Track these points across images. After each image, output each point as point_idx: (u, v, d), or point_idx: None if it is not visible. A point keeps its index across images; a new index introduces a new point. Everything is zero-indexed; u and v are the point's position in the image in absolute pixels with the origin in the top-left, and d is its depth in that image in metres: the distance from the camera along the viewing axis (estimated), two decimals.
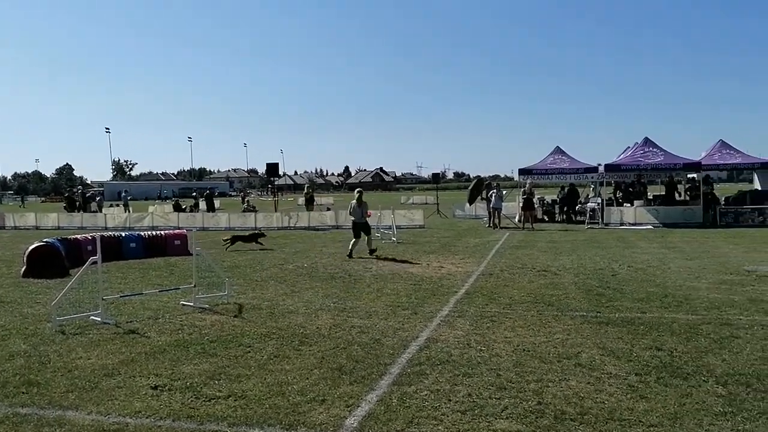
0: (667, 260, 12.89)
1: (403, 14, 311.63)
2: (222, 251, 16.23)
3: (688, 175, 26.46)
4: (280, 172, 38.25)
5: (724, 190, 33.88)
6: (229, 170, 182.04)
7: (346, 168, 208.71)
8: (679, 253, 14.21)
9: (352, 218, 15.31)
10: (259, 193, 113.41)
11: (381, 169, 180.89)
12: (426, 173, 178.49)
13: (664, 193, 26.51)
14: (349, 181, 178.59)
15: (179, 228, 22.86)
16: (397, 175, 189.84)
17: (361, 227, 15.16)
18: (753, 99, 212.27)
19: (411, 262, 13.37)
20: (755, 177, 27.38)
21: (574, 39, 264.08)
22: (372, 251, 14.90)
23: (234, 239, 17.30)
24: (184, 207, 38.74)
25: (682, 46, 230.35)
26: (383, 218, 21.47)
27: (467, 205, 29.68)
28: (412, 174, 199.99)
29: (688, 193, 26.27)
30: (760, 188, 25.91)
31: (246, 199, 47.80)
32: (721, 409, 4.42)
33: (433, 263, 13.18)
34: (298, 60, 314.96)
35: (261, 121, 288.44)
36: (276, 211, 28.49)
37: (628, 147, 27.66)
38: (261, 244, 17.52)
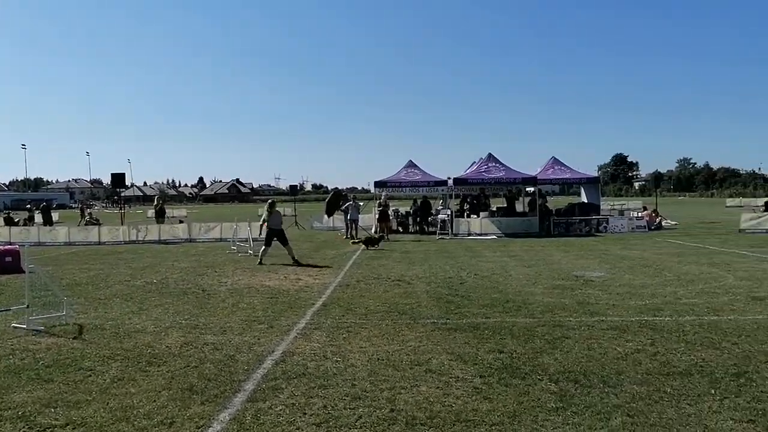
0: (509, 268, 13.87)
1: (260, 21, 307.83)
2: (60, 269, 14.94)
3: (527, 189, 28.66)
4: (127, 183, 35.92)
5: (556, 203, 37.13)
6: (69, 180, 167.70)
7: (201, 179, 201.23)
8: (519, 261, 15.34)
9: (270, 226, 15.72)
10: (104, 204, 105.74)
11: (238, 180, 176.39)
12: (284, 185, 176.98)
13: (505, 205, 28.54)
14: (203, 192, 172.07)
15: (11, 243, 20.68)
16: (254, 186, 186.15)
17: (278, 235, 15.71)
18: (583, 118, 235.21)
19: (268, 275, 13.19)
20: (582, 191, 30.32)
21: (426, 54, 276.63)
22: (295, 260, 15.35)
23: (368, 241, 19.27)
24: (17, 220, 35.15)
25: (512, 65, 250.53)
26: (239, 230, 20.96)
27: (325, 216, 29.86)
28: (270, 186, 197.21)
29: (527, 205, 28.53)
30: (586, 201, 28.73)
31: (87, 212, 44.35)
32: (554, 405, 4.84)
33: (291, 276, 13.11)
34: (147, 63, 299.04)
35: (106, 128, 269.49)
36: (122, 224, 26.76)
37: (474, 162, 29.44)
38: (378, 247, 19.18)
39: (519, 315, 8.47)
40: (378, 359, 6.29)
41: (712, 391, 5.09)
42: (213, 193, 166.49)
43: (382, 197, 24.98)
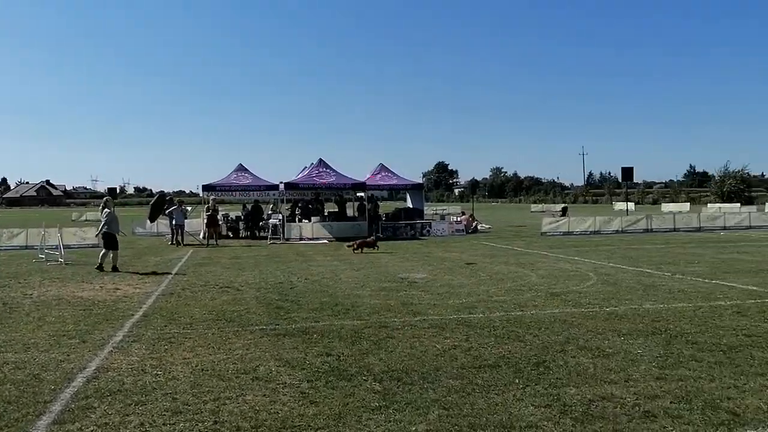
0: (339, 272, 14.13)
1: (64, 23, 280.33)
2: None
3: (358, 194, 29.37)
4: None
5: (385, 208, 38.53)
6: None
7: (4, 180, 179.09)
8: (349, 264, 15.69)
9: (106, 230, 15.24)
10: None
11: (48, 182, 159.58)
12: (102, 187, 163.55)
13: (337, 210, 29.02)
14: (6, 195, 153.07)
15: None
16: (67, 189, 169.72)
17: (113, 239, 14.93)
18: (409, 127, 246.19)
19: (81, 285, 12.13)
20: (408, 196, 31.80)
21: (240, 61, 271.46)
22: (114, 267, 14.70)
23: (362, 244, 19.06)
24: None
25: (339, 72, 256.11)
26: (48, 237, 19.00)
27: (148, 222, 28.12)
28: (86, 188, 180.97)
29: (356, 210, 29.24)
30: (411, 206, 30.17)
31: None
32: (378, 404, 5.03)
33: (108, 285, 12.18)
34: None
35: None
36: None
37: (305, 167, 29.59)
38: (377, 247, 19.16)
39: (347, 318, 8.67)
40: (202, 370, 6.08)
41: (517, 381, 5.61)
42: (19, 195, 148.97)
43: (211, 201, 24.15)
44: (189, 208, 25.97)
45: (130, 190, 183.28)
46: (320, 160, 27.93)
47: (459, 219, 30.31)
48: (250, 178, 27.85)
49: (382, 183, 29.41)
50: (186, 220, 23.99)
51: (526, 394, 5.24)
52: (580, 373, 5.82)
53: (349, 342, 7.17)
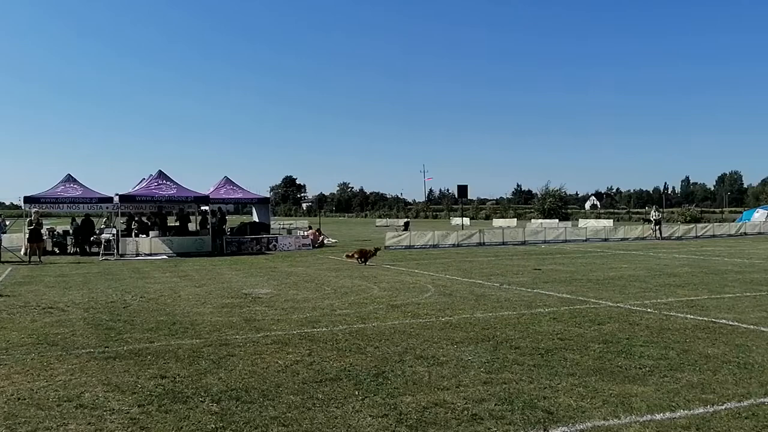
0: (179, 288, 13.51)
1: None
2: None
3: (202, 207, 28.29)
4: None
5: (231, 222, 37.51)
6: None
7: None
8: (190, 281, 15.06)
9: None
10: None
11: None
12: None
13: (178, 224, 27.73)
14: None
15: None
16: None
17: None
18: (250, 143, 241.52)
19: None
20: (254, 210, 31.26)
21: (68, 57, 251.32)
22: None
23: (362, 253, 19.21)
24: None
25: (182, 87, 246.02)
26: None
27: None
28: None
29: (199, 224, 28.17)
30: (258, 220, 29.69)
31: None
32: (214, 426, 4.87)
33: None
34: None
35: None
36: None
37: (143, 178, 28.00)
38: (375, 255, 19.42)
39: (186, 337, 8.32)
40: (19, 399, 5.50)
41: (356, 393, 5.74)
42: None
43: (33, 214, 21.93)
44: (8, 222, 23.38)
45: None
46: (159, 172, 26.56)
47: (306, 233, 30.32)
48: (81, 190, 25.75)
49: (226, 197, 28.65)
50: (4, 235, 21.58)
51: (364, 405, 5.38)
52: (416, 381, 6.09)
53: (186, 362, 6.88)
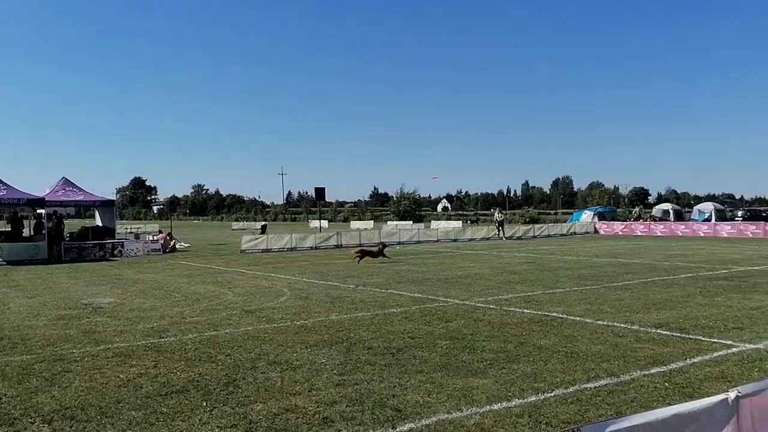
0: (8, 300, 12.26)
1: None
2: None
3: (38, 211, 25.80)
4: None
5: (71, 225, 34.65)
6: None
7: None
8: (21, 291, 13.71)
9: None
10: None
11: None
12: None
13: (9, 229, 25.08)
14: None
15: None
16: None
17: None
18: (95, 141, 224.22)
19: None
20: (97, 214, 29.12)
21: None
22: None
23: (363, 253, 19.91)
24: None
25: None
26: None
27: None
28: None
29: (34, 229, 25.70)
30: (101, 224, 27.69)
31: None
32: None
33: None
34: None
35: None
36: None
37: None
38: (387, 256, 19.75)
39: (14, 353, 7.56)
40: None
41: (204, 404, 5.56)
42: None
43: None
44: None
45: None
46: None
47: (156, 238, 28.77)
48: None
49: (65, 199, 26.40)
50: None
51: (213, 416, 5.22)
52: (268, 388, 6.02)
53: (14, 381, 6.26)
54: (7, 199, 23.19)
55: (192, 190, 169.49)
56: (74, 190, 26.68)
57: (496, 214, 38.63)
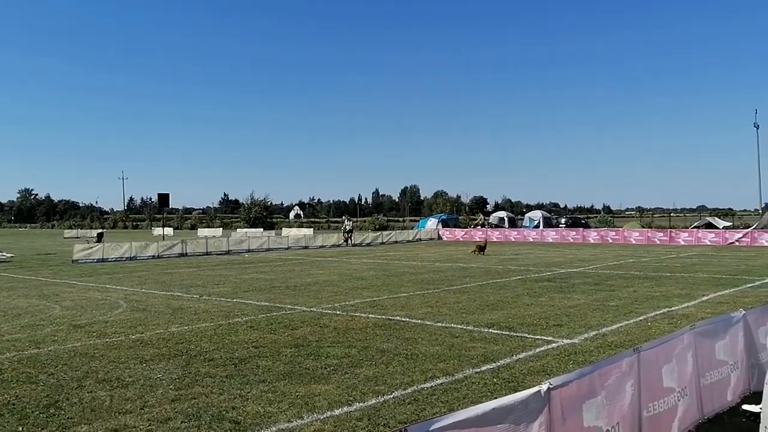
0: None
1: None
2: None
3: None
4: None
5: None
6: None
7: None
8: None
9: None
10: None
11: None
12: None
13: None
14: None
15: None
16: None
17: None
18: None
19: None
20: None
21: None
22: None
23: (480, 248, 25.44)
24: None
25: None
26: None
27: None
28: None
29: None
30: None
31: None
32: None
33: None
34: None
35: None
36: None
37: None
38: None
39: None
40: None
41: (20, 429, 5.04)
42: None
43: None
44: None
45: None
46: None
47: None
48: None
49: None
50: None
51: None
52: (94, 408, 5.59)
53: None
54: None
55: (18, 195, 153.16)
56: None
57: (345, 222, 39.22)
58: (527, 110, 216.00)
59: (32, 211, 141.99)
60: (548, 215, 49.96)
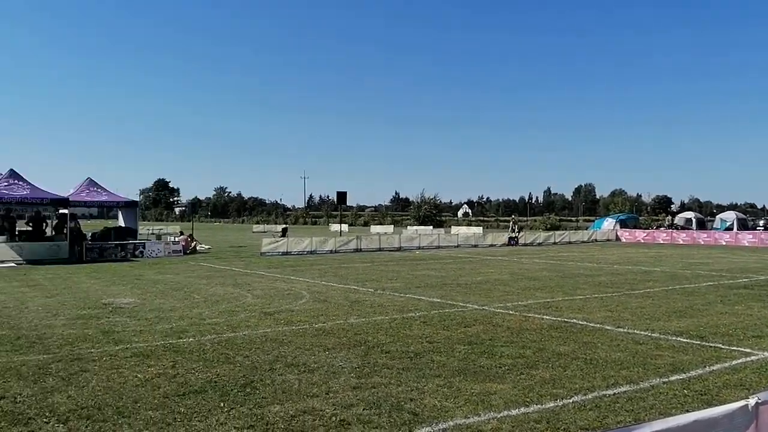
0: (26, 299, 12.39)
1: None
2: None
3: (61, 211, 26.17)
4: None
5: (94, 226, 35.10)
6: None
7: None
8: (41, 290, 13.87)
9: None
10: None
11: None
12: None
13: (31, 228, 25.47)
14: None
15: None
16: None
17: None
18: (123, 140, 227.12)
19: None
20: (120, 214, 29.46)
21: None
22: None
23: None
24: None
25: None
26: None
27: None
28: None
29: (55, 229, 26.09)
30: (123, 225, 27.99)
31: None
32: None
33: None
34: None
35: None
36: None
37: None
38: None
39: (31, 352, 7.62)
40: None
41: (222, 404, 5.55)
42: None
43: None
44: None
45: None
46: (11, 171, 24.27)
47: (177, 239, 29.00)
48: None
49: (89, 199, 26.71)
50: None
51: (230, 417, 5.21)
52: (285, 390, 5.99)
53: (30, 380, 6.30)
54: (30, 199, 23.56)
55: (214, 193, 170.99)
56: (98, 190, 26.98)
57: (512, 223, 38.53)
58: (732, 97, 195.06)
59: (226, 207, 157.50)
60: (743, 216, 45.00)
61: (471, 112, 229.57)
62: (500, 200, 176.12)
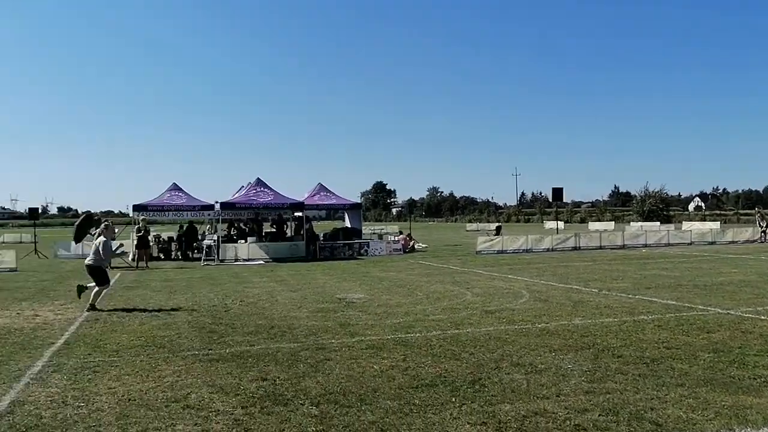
0: (275, 293, 13.94)
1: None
2: None
3: (296, 214, 29.11)
4: None
5: (323, 227, 38.40)
6: None
7: None
8: (286, 285, 15.51)
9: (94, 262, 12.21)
10: None
11: None
12: (23, 208, 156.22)
13: (274, 230, 28.71)
14: None
15: None
16: None
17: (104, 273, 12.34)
18: (348, 145, 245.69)
19: None
20: (346, 216, 31.82)
21: (168, 78, 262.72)
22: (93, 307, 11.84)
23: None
24: None
25: (279, 89, 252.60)
26: None
27: (73, 243, 26.93)
28: (4, 208, 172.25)
29: (294, 230, 29.05)
30: (350, 226, 30.18)
31: None
32: (314, 429, 4.96)
33: (26, 311, 11.58)
34: None
35: None
36: None
37: (242, 186, 29.18)
38: None
39: (284, 340, 8.55)
40: (129, 400, 5.84)
41: (453, 399, 5.67)
42: None
43: (140, 222, 23.42)
44: (117, 229, 25.05)
45: (54, 210, 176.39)
46: (258, 180, 27.62)
47: (396, 239, 30.51)
48: (185, 198, 27.20)
49: (320, 203, 29.34)
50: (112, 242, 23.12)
51: (462, 412, 5.30)
52: (514, 389, 5.94)
53: (285, 365, 7.07)
54: (274, 204, 26.60)
55: (427, 193, 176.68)
56: (328, 194, 29.49)
57: (758, 215, 33.79)
58: None
59: (438, 206, 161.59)
60: None
61: (704, 97, 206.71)
62: (740, 191, 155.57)
